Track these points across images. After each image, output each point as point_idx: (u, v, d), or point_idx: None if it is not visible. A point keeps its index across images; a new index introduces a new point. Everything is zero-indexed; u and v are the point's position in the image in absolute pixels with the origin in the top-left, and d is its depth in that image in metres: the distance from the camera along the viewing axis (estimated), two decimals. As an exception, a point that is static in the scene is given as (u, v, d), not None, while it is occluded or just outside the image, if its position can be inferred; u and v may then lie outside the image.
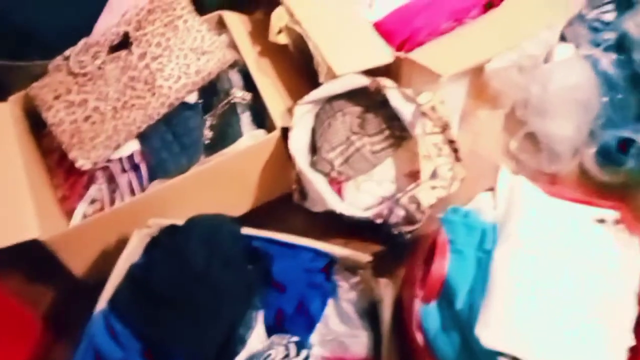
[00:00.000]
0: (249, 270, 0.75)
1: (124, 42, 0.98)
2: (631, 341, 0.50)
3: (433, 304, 0.57)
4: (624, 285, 0.52)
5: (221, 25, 1.05)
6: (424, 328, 0.57)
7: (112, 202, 0.96)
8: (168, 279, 0.73)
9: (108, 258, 0.94)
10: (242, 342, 0.72)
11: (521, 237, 0.54)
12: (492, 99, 1.11)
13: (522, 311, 0.50)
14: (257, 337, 0.73)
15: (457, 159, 0.87)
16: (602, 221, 0.57)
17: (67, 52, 0.98)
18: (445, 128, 0.86)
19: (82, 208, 0.97)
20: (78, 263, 0.93)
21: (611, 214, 0.57)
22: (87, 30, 1.02)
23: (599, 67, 1.05)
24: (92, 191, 0.98)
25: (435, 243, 0.60)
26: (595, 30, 1.11)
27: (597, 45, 1.08)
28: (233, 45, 1.01)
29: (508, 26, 0.95)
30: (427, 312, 0.57)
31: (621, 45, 1.07)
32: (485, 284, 0.54)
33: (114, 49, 0.98)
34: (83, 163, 0.94)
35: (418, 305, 0.58)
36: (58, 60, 0.98)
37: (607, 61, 1.05)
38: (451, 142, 0.87)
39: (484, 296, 0.53)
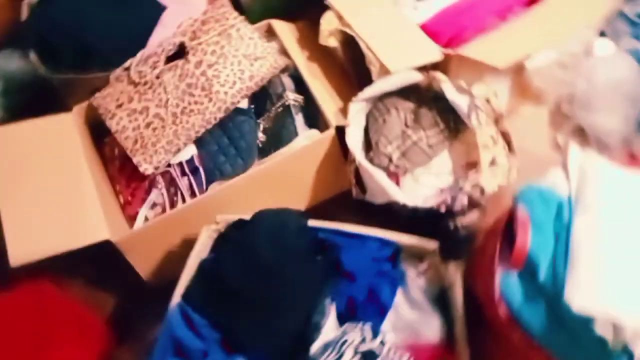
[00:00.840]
0: (319, 261, 0.78)
1: (180, 52, 1.04)
2: None
3: (514, 276, 0.59)
4: None
5: (270, 34, 1.10)
6: (506, 300, 0.59)
7: (173, 205, 1.00)
8: (239, 273, 0.76)
9: (172, 259, 0.98)
10: (317, 329, 0.74)
11: (599, 206, 0.56)
12: (535, 96, 1.13)
13: (609, 275, 0.52)
14: (331, 325, 0.75)
15: (512, 150, 0.90)
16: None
17: (126, 64, 1.04)
18: (498, 120, 0.89)
19: (144, 212, 1.01)
20: (144, 264, 0.97)
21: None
22: (142, 44, 1.09)
23: (641, 57, 1.08)
24: (153, 196, 1.02)
25: (510, 219, 0.62)
26: (635, 24, 1.15)
27: (638, 38, 1.11)
28: (283, 51, 1.06)
29: (552, 21, 0.99)
30: (508, 284, 0.59)
31: (661, 37, 1.10)
32: (567, 255, 0.56)
33: (170, 58, 1.04)
34: (146, 167, 0.99)
35: (499, 279, 0.60)
36: (118, 71, 1.04)
37: (650, 53, 1.07)
38: (504, 134, 0.90)
39: (566, 266, 0.55)
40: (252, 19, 1.07)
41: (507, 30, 0.97)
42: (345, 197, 1.01)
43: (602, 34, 1.15)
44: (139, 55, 1.04)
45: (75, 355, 1.02)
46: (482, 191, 0.79)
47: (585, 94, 1.09)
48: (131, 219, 1.01)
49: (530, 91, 1.13)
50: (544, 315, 0.57)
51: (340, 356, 0.71)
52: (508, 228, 0.63)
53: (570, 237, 0.56)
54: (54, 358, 1.00)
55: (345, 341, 0.72)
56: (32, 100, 1.26)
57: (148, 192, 1.03)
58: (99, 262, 1.10)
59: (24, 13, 1.15)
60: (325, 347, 0.73)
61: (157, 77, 1.02)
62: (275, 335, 0.73)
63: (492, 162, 0.83)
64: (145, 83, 1.02)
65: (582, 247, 0.55)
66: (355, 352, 0.71)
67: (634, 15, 1.15)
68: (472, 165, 0.87)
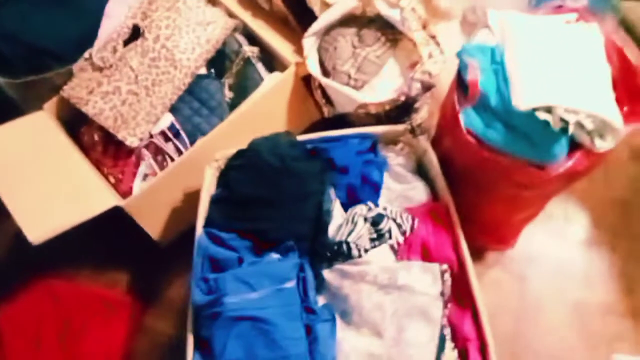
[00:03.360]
0: (315, 159, 0.92)
1: (135, 34, 1.14)
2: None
3: (472, 111, 0.77)
4: (595, 51, 0.75)
5: (212, 2, 1.23)
6: (471, 130, 0.77)
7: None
8: (251, 183, 0.89)
9: (177, 214, 1.09)
10: (328, 214, 0.88)
11: (519, 40, 0.76)
12: (445, 14, 1.36)
13: (537, 81, 0.71)
14: (338, 210, 0.90)
15: (440, 49, 1.09)
16: (568, 21, 0.80)
17: (86, 54, 1.13)
18: (425, 25, 1.08)
19: (138, 184, 1.10)
20: (153, 224, 1.06)
21: (572, 16, 0.80)
22: (92, 37, 1.17)
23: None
24: (143, 168, 1.11)
25: (458, 75, 0.81)
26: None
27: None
28: (229, 14, 1.19)
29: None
30: (470, 117, 0.77)
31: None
32: (506, 81, 0.75)
33: (127, 42, 1.13)
34: (132, 140, 1.08)
35: (462, 118, 0.78)
36: (80, 62, 1.12)
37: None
38: (433, 36, 1.09)
39: (508, 88, 0.74)
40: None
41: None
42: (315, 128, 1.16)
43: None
44: (96, 44, 1.13)
45: (105, 335, 1.08)
46: (430, 75, 0.97)
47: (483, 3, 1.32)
48: (126, 195, 1.09)
49: (439, 12, 1.35)
50: (502, 130, 0.75)
51: (355, 226, 0.86)
52: (459, 83, 0.81)
53: (505, 67, 0.75)
54: (85, 344, 1.06)
55: (355, 214, 0.87)
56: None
57: (137, 165, 1.12)
58: (97, 244, 1.18)
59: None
60: (339, 226, 0.88)
61: (120, 59, 1.11)
62: (296, 225, 0.86)
63: (430, 55, 1.02)
64: (111, 66, 1.11)
65: (514, 69, 0.74)
66: (365, 220, 0.86)
67: None
68: (414, 65, 1.06)
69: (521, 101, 0.70)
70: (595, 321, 1.04)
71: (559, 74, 0.72)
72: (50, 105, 1.12)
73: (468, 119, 0.78)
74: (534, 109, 0.70)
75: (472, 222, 0.92)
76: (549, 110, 0.70)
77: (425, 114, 1.14)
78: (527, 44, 0.76)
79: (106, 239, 1.18)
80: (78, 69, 1.12)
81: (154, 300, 1.13)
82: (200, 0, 1.16)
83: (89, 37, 1.17)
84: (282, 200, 0.87)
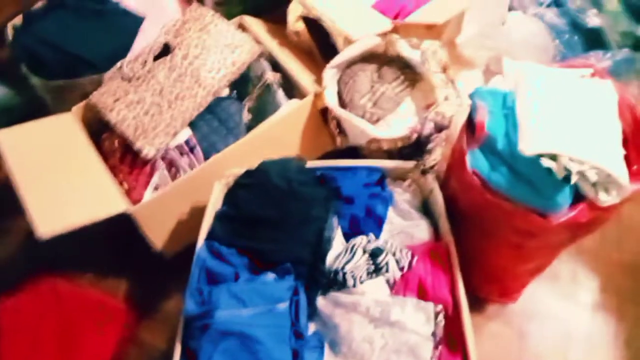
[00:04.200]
0: (322, 186, 0.94)
1: (165, 51, 1.20)
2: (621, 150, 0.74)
3: (479, 153, 0.79)
4: (607, 107, 0.76)
5: (242, 28, 1.29)
6: (477, 171, 0.78)
7: (175, 183, 1.13)
8: (256, 203, 0.91)
9: (182, 227, 1.11)
10: (329, 242, 0.89)
11: (531, 89, 0.78)
12: (468, 63, 1.40)
13: (545, 129, 0.73)
14: (339, 239, 0.91)
15: (458, 95, 1.12)
16: (583, 76, 0.82)
17: (117, 65, 1.19)
18: (445, 69, 1.11)
19: (149, 194, 1.13)
20: (158, 234, 1.08)
21: (588, 71, 0.82)
22: (125, 51, 1.25)
23: (545, 19, 1.36)
24: (156, 178, 1.15)
25: (469, 119, 0.83)
26: (534, -4, 1.45)
27: (540, 5, 1.40)
28: (256, 41, 1.25)
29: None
30: (476, 159, 0.78)
31: (556, 2, 1.40)
32: (515, 127, 0.76)
33: (157, 57, 1.20)
34: (149, 150, 1.12)
35: (468, 159, 0.79)
36: (111, 71, 1.19)
37: (551, 14, 1.36)
38: (451, 80, 1.12)
39: (516, 134, 0.75)
40: (227, 17, 1.25)
41: (436, 2, 1.21)
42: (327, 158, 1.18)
43: (511, 8, 1.45)
44: (129, 56, 1.20)
45: (98, 341, 1.10)
46: (443, 116, 0.99)
47: (507, 51, 1.36)
48: (136, 203, 1.12)
49: (463, 59, 1.39)
50: (507, 174, 0.76)
51: (353, 256, 0.86)
52: (469, 125, 0.83)
53: (516, 113, 0.77)
54: (78, 348, 1.08)
55: (355, 244, 0.88)
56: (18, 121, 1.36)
57: (150, 175, 1.15)
58: (104, 250, 1.21)
59: (9, 35, 1.27)
60: (338, 255, 0.88)
61: (149, 72, 1.17)
62: (296, 248, 0.87)
63: (446, 98, 1.05)
64: (139, 78, 1.17)
65: (524, 115, 0.76)
66: (364, 251, 0.87)
67: (534, -10, 1.46)
68: (430, 106, 1.08)
69: (527, 146, 0.72)
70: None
71: (568, 125, 0.73)
72: (78, 109, 1.17)
73: (474, 160, 0.80)
74: (539, 155, 0.71)
75: (476, 269, 0.92)
76: (554, 158, 0.71)
77: (439, 156, 1.15)
78: (539, 92, 0.78)
79: (113, 245, 1.21)
80: (108, 78, 1.18)
81: (150, 312, 1.14)
82: (231, 25, 1.22)
83: (122, 51, 1.24)
84: (286, 222, 0.89)
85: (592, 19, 1.28)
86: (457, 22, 1.31)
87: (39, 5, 1.30)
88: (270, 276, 0.86)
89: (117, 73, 1.18)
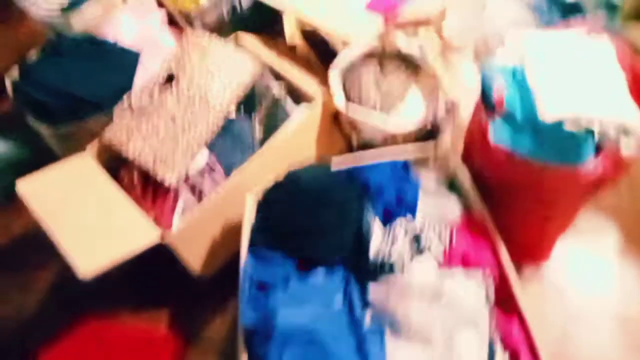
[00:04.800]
0: (353, 185, 0.97)
1: (169, 80, 1.23)
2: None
3: (500, 124, 0.84)
4: (609, 60, 0.83)
5: (237, 43, 1.33)
6: (500, 142, 0.83)
7: (201, 206, 1.16)
8: (292, 214, 0.94)
9: (216, 247, 1.13)
10: (368, 234, 0.92)
11: (538, 54, 0.84)
12: (458, 50, 1.46)
13: (561, 93, 0.78)
14: (378, 228, 0.94)
15: (458, 78, 1.18)
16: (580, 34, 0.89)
17: (124, 100, 1.22)
18: (443, 55, 1.17)
19: (177, 218, 1.15)
20: (194, 258, 1.10)
21: (582, 29, 0.89)
22: (128, 87, 1.27)
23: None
24: (181, 203, 1.17)
25: (483, 94, 0.88)
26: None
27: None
28: (254, 55, 1.29)
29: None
30: (498, 130, 0.84)
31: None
32: (530, 96, 0.82)
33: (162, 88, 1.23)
34: (171, 177, 1.14)
35: (491, 131, 0.85)
36: (119, 108, 1.21)
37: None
38: (449, 65, 1.18)
39: (532, 103, 0.81)
40: (225, 35, 1.30)
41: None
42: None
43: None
44: (135, 91, 1.23)
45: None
46: (451, 98, 1.05)
47: (492, 33, 1.43)
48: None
49: (453, 48, 1.46)
50: (530, 140, 0.82)
51: (395, 240, 0.90)
52: (484, 102, 0.89)
53: (528, 83, 0.83)
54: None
55: (395, 228, 0.91)
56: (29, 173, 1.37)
57: (175, 202, 1.17)
58: (136, 284, 1.22)
59: (9, 89, 1.28)
60: (380, 243, 0.92)
61: (158, 103, 1.20)
62: (337, 252, 0.90)
63: (449, 82, 1.10)
64: (148, 110, 1.19)
65: (537, 85, 0.81)
66: (406, 232, 0.91)
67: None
68: (435, 92, 1.14)
69: (547, 113, 0.77)
70: (636, 332, 1.06)
71: (580, 85, 0.79)
72: (92, 147, 1.19)
73: (496, 133, 0.85)
74: (560, 120, 0.76)
75: (506, 241, 0.96)
76: (574, 120, 0.76)
77: (449, 141, 1.21)
78: (545, 60, 0.84)
79: (141, 277, 1.22)
80: (117, 115, 1.21)
81: (194, 337, 1.15)
82: (229, 46, 1.27)
83: (124, 88, 1.27)
84: (322, 230, 0.92)
85: (569, -5, 1.36)
86: (441, 15, 1.38)
87: (33, 54, 1.32)
88: (321, 272, 0.89)
89: (126, 109, 1.21)
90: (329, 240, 0.92)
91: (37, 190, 1.06)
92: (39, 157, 1.37)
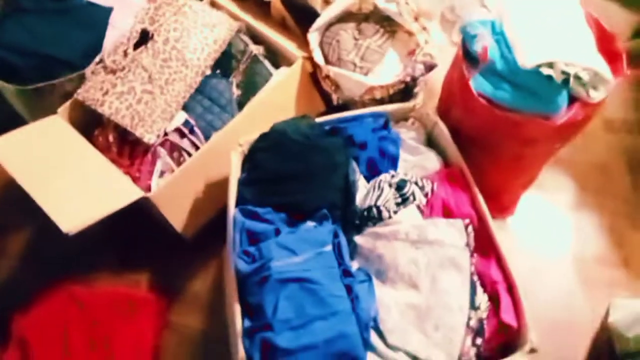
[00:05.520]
0: (337, 136, 1.00)
1: (144, 38, 1.20)
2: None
3: (478, 75, 0.89)
4: (578, 17, 0.90)
5: (214, 6, 1.31)
6: (482, 93, 0.88)
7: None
8: (281, 160, 0.96)
9: (200, 206, 1.13)
10: (354, 185, 0.96)
11: (515, 9, 0.89)
12: (425, 14, 1.51)
13: (538, 42, 0.84)
14: (362, 182, 0.98)
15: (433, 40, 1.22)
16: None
17: (97, 59, 1.18)
18: (417, 17, 1.21)
19: (155, 181, 1.14)
20: (177, 217, 1.10)
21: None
22: (99, 45, 1.23)
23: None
24: (159, 165, 1.16)
25: (464, 46, 0.93)
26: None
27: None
28: (231, 17, 1.28)
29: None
30: (479, 82, 0.89)
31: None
32: (508, 47, 0.87)
33: (136, 45, 1.20)
34: (150, 137, 1.13)
35: (472, 84, 0.89)
36: (92, 66, 1.17)
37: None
38: (424, 28, 1.22)
39: (511, 52, 0.86)
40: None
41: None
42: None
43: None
44: (107, 49, 1.19)
45: (132, 333, 1.10)
46: (430, 56, 1.09)
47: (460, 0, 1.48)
48: (146, 191, 1.13)
49: (421, 10, 1.49)
50: (510, 90, 0.87)
51: (381, 192, 0.94)
52: (465, 54, 0.93)
53: (506, 35, 0.88)
54: (115, 346, 1.08)
55: (380, 181, 0.95)
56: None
57: (153, 164, 1.16)
58: (112, 247, 1.21)
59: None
60: (365, 195, 0.96)
61: (132, 61, 1.17)
62: (327, 194, 0.93)
63: (426, 42, 1.14)
64: (123, 68, 1.16)
65: (515, 35, 0.86)
66: (390, 185, 0.95)
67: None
68: (412, 52, 1.18)
69: (526, 60, 0.83)
70: (592, 271, 1.17)
71: (554, 35, 0.85)
72: (64, 110, 1.15)
73: (477, 84, 0.90)
74: (538, 66, 0.82)
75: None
76: (550, 65, 0.82)
77: (421, 100, 1.25)
78: (521, 14, 0.89)
79: (118, 240, 1.21)
80: (90, 73, 1.17)
81: (178, 295, 1.15)
82: (205, 5, 1.25)
83: (95, 45, 1.22)
84: (312, 173, 0.95)
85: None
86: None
87: (-8, 12, 1.25)
88: (310, 224, 0.92)
89: (99, 67, 1.17)
90: (318, 184, 0.94)
91: (11, 151, 1.02)
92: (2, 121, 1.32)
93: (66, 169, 1.04)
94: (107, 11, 1.27)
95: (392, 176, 0.96)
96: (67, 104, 1.16)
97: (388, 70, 1.17)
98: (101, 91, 1.15)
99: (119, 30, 1.25)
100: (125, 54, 1.18)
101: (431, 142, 1.07)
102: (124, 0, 1.31)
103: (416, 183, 0.96)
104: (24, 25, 1.22)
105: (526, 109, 0.87)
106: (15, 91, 1.18)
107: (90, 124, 1.18)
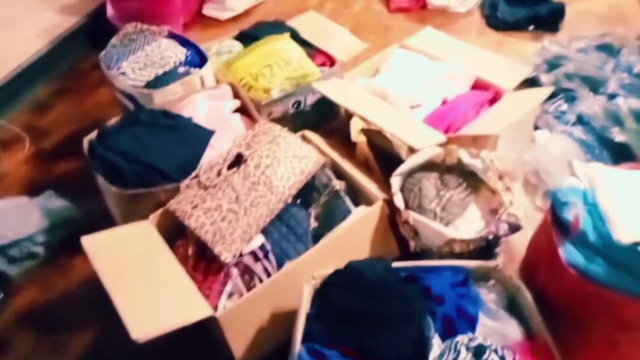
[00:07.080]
0: (414, 285, 0.98)
1: (237, 161, 1.31)
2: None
3: (572, 247, 0.87)
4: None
5: (304, 140, 1.42)
6: (572, 264, 0.86)
7: (250, 291, 1.16)
8: (356, 298, 0.94)
9: (261, 335, 1.11)
10: (428, 342, 0.91)
11: (608, 183, 0.89)
12: (507, 175, 1.54)
13: (634, 215, 0.82)
14: (436, 341, 0.94)
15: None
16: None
17: (192, 174, 1.28)
18: (502, 177, 1.24)
19: (222, 302, 1.14)
20: (239, 341, 1.08)
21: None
22: (195, 162, 1.35)
23: (573, 136, 1.54)
24: (229, 287, 1.17)
25: (554, 213, 0.93)
26: (557, 117, 1.65)
27: (566, 123, 1.60)
28: (319, 152, 1.37)
29: (507, 112, 1.42)
30: (570, 252, 0.86)
31: (580, 121, 1.59)
32: (602, 220, 0.86)
33: (230, 167, 1.30)
34: (226, 256, 1.16)
35: (562, 253, 0.87)
36: (187, 181, 1.27)
37: (579, 131, 1.55)
38: (508, 188, 1.24)
39: (605, 225, 0.85)
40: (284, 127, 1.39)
41: (484, 118, 1.38)
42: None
43: (537, 127, 1.65)
44: (204, 166, 1.30)
45: None
46: (516, 217, 1.09)
47: (544, 165, 1.51)
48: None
49: (508, 173, 1.53)
50: (604, 265, 0.84)
51: (457, 355, 0.89)
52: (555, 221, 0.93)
53: (600, 208, 0.87)
54: None
55: (457, 342, 0.90)
56: (71, 236, 1.39)
57: (224, 284, 1.18)
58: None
59: (85, 148, 1.36)
60: (440, 356, 0.91)
61: (224, 180, 1.26)
62: (400, 344, 0.89)
63: (511, 202, 1.15)
64: (215, 186, 1.25)
65: (610, 209, 0.86)
66: (467, 349, 0.89)
67: (556, 111, 1.67)
68: (494, 211, 1.19)
69: (623, 235, 0.81)
70: None
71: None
72: (154, 217, 1.23)
73: (568, 254, 0.88)
74: (636, 243, 0.79)
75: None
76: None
77: (501, 262, 1.23)
78: (616, 187, 0.90)
79: (175, 352, 1.20)
80: (185, 186, 1.26)
81: None
82: (297, 138, 1.35)
83: (193, 161, 1.34)
84: (386, 316, 0.92)
85: (617, 136, 1.45)
86: (495, 139, 1.47)
87: (113, 121, 1.42)
88: (377, 376, 0.87)
89: (194, 182, 1.27)
90: (391, 330, 0.91)
91: (101, 249, 1.08)
92: (91, 219, 1.43)
93: (147, 275, 1.07)
94: (210, 133, 1.41)
95: (470, 339, 0.91)
96: (159, 211, 1.24)
97: (468, 225, 1.17)
98: (191, 204, 1.22)
99: (216, 151, 1.37)
100: (219, 173, 1.28)
101: (513, 308, 1.02)
102: (226, 125, 1.46)
103: (496, 351, 0.90)
104: (135, 135, 1.37)
105: (623, 288, 0.83)
106: (116, 193, 1.28)
107: (174, 233, 1.25)
